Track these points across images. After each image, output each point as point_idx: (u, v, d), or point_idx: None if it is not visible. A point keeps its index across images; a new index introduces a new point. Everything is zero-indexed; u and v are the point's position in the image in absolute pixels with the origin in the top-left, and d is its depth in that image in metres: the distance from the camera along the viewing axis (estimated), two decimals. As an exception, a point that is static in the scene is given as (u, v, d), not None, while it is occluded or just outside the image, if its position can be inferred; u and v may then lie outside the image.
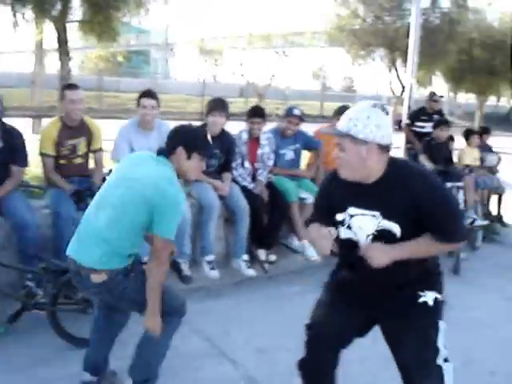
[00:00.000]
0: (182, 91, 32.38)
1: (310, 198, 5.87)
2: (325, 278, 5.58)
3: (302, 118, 5.99)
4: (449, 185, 6.77)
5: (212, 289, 5.28)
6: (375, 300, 2.80)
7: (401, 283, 2.74)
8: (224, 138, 5.45)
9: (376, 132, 2.52)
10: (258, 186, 5.65)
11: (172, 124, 3.82)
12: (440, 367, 2.64)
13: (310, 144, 6.21)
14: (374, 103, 2.61)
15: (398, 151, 9.12)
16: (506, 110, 43.08)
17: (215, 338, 4.36)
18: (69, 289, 4.03)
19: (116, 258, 3.06)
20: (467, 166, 7.50)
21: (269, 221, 5.62)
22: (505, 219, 8.53)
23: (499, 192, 8.38)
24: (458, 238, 2.70)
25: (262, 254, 5.64)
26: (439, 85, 26.19)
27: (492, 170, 8.35)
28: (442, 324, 2.70)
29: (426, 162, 7.07)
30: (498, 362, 4.30)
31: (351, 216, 2.72)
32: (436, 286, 2.77)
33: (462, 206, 6.77)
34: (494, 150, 8.71)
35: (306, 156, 6.54)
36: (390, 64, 19.26)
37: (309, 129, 6.60)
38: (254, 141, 5.76)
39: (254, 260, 5.62)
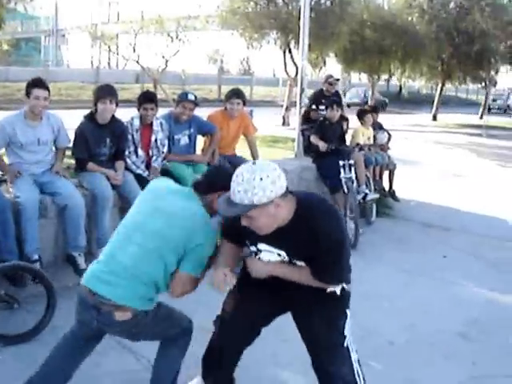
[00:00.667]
0: (75, 79, 31.37)
1: (206, 183, 5.84)
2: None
3: (196, 103, 5.92)
4: (341, 163, 6.94)
5: (111, 281, 5.16)
6: (284, 293, 2.92)
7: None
8: (115, 126, 5.30)
9: (274, 188, 2.51)
10: (153, 172, 5.55)
11: (66, 113, 3.67)
12: (347, 348, 2.87)
13: (204, 128, 6.16)
14: (251, 162, 2.62)
15: (294, 132, 9.26)
16: (397, 89, 44.69)
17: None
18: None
19: (142, 297, 2.88)
20: (357, 144, 7.70)
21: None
22: (397, 194, 8.86)
23: (390, 168, 8.70)
24: (329, 281, 2.80)
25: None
26: (333, 66, 26.80)
27: (383, 148, 8.63)
28: (348, 312, 2.92)
29: (317, 142, 7.19)
30: (396, 332, 4.47)
31: (260, 250, 2.84)
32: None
33: (354, 182, 6.96)
34: (384, 127, 8.99)
35: (200, 141, 6.48)
36: (283, 46, 19.42)
37: (207, 113, 6.55)
38: (147, 127, 5.65)
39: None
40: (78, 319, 3.08)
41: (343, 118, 7.95)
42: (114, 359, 3.88)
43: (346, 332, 2.87)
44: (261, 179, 2.49)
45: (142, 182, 5.37)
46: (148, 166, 5.62)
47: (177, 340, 3.18)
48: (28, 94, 4.80)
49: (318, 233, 2.62)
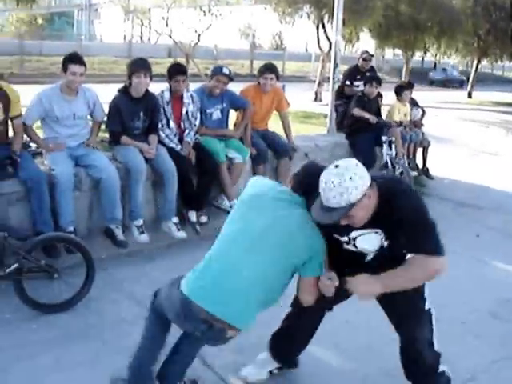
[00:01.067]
0: (108, 53, 31.44)
1: (238, 158, 5.84)
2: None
3: (231, 77, 5.90)
4: (383, 138, 6.91)
5: (143, 253, 5.23)
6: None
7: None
8: (148, 99, 5.32)
9: (364, 182, 2.63)
10: (185, 147, 5.57)
11: (99, 87, 3.71)
12: (429, 312, 3.11)
13: (236, 103, 6.15)
14: (334, 166, 2.65)
15: (326, 108, 9.19)
16: (431, 66, 43.97)
17: (148, 303, 4.30)
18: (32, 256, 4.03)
19: (253, 317, 2.83)
20: (401, 123, 7.63)
21: (198, 182, 5.57)
22: (430, 172, 8.76)
23: (424, 145, 8.59)
24: (430, 248, 2.82)
25: (192, 215, 5.60)
26: (366, 41, 26.42)
27: (417, 124, 8.53)
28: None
29: (363, 114, 7.16)
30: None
31: (355, 238, 2.90)
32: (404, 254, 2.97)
33: (395, 158, 6.92)
34: (418, 104, 8.87)
35: (233, 115, 6.47)
36: (317, 21, 19.21)
37: (238, 88, 6.52)
38: (178, 100, 5.64)
39: (184, 222, 5.58)
40: (175, 321, 2.99)
41: (378, 95, 7.87)
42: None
43: (426, 295, 3.07)
44: (350, 178, 2.58)
45: (176, 156, 5.40)
46: (181, 140, 5.63)
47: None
48: (65, 69, 4.84)
49: (402, 210, 2.73)
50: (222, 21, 20.73)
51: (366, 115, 7.13)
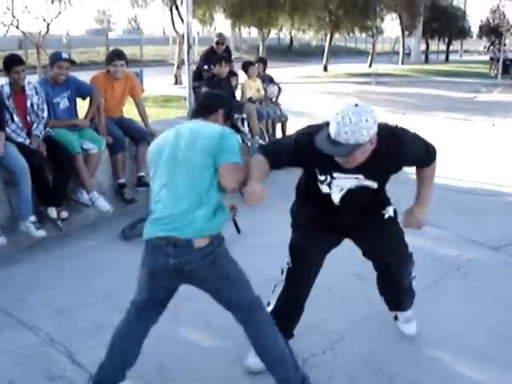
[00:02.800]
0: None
1: (94, 148, 5.66)
2: (119, 228, 5.55)
3: (72, 61, 5.67)
4: (235, 117, 6.95)
5: (2, 257, 4.96)
6: (349, 228, 3.33)
7: (369, 214, 3.27)
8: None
9: (375, 127, 2.74)
10: (34, 140, 5.29)
11: None
12: (411, 253, 3.49)
13: (82, 90, 5.87)
14: (354, 104, 2.72)
15: (185, 90, 9.15)
16: (287, 42, 44.98)
17: (11, 308, 4.13)
18: None
19: (207, 218, 2.89)
20: (250, 99, 7.70)
21: (53, 176, 5.33)
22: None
23: (283, 120, 8.78)
24: (431, 160, 3.28)
25: (52, 212, 5.36)
26: (222, 21, 26.48)
27: (274, 101, 8.70)
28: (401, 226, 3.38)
29: None
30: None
31: (333, 178, 3.04)
32: (389, 201, 3.36)
33: (248, 134, 7.00)
34: (274, 80, 9.04)
35: (85, 104, 6.22)
36: (170, 3, 18.99)
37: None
38: (20, 93, 5.32)
39: (44, 219, 5.35)
40: (148, 273, 3.00)
41: (232, 74, 7.93)
42: (10, 336, 3.78)
43: (406, 240, 3.40)
44: (366, 120, 2.67)
45: (25, 151, 5.13)
46: (29, 134, 5.35)
47: (262, 307, 3.13)
48: None
49: (401, 155, 3.02)
50: (74, 8, 19.96)
51: None
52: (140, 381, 3.21)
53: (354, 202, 3.13)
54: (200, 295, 3.15)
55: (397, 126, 3.15)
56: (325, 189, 3.12)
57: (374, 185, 3.10)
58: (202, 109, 3.29)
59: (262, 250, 5.16)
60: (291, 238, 3.46)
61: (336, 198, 3.13)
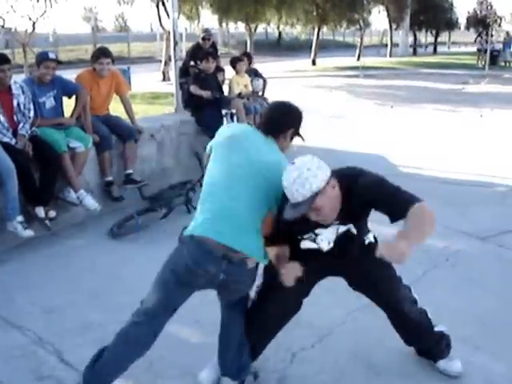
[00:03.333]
0: None
1: (80, 147, 5.63)
2: (107, 227, 5.53)
3: (59, 61, 5.64)
4: (223, 112, 6.96)
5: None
6: (335, 265, 3.17)
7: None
8: None
9: (322, 171, 2.70)
10: (20, 140, 5.24)
11: None
12: (400, 278, 3.25)
13: (67, 88, 5.83)
14: (291, 163, 2.70)
15: (172, 87, 9.13)
16: (275, 37, 44.95)
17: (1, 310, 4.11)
18: None
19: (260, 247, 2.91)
20: (240, 94, 7.67)
21: (41, 176, 5.29)
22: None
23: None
24: (406, 207, 2.77)
25: (40, 211, 5.32)
26: (208, 16, 26.46)
27: (260, 95, 8.69)
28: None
29: (198, 91, 7.14)
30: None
31: (317, 234, 3.01)
32: (367, 229, 3.21)
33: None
34: (259, 73, 9.02)
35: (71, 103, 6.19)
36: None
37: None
38: (6, 92, 5.26)
39: (33, 219, 5.32)
40: (194, 272, 2.81)
41: (219, 69, 7.91)
42: (-2, 336, 3.77)
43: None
44: (308, 169, 2.66)
45: (11, 151, 5.09)
46: (15, 134, 5.31)
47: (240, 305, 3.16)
48: None
49: (371, 189, 2.82)
50: (60, 6, 19.85)
51: (200, 92, 7.13)
52: (130, 379, 3.21)
53: (340, 245, 3.09)
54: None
55: (350, 168, 3.00)
56: (308, 244, 3.08)
57: (351, 227, 3.03)
58: (271, 126, 3.05)
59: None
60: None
61: (325, 247, 3.08)
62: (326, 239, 3.04)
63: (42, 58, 5.51)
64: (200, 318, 3.88)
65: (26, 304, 4.19)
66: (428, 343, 3.38)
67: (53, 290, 4.39)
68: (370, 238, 3.20)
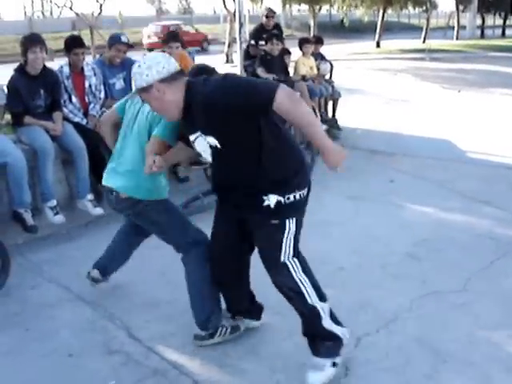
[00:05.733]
0: (9, 31, 30.10)
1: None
2: (177, 203, 5.59)
3: (130, 45, 5.76)
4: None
5: (60, 234, 5.11)
6: (237, 204, 3.01)
7: (244, 187, 2.92)
8: (47, 76, 5.12)
9: (150, 72, 2.78)
10: (91, 120, 5.40)
11: (2, 68, 3.62)
12: (285, 264, 2.93)
13: None
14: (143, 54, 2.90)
15: (236, 69, 9.15)
16: (339, 19, 44.35)
17: (70, 283, 4.25)
18: None
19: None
20: (303, 77, 7.63)
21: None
22: (339, 123, 8.88)
23: (335, 98, 8.70)
24: (270, 95, 2.57)
25: (108, 190, 5.46)
26: (272, -1, 26.37)
27: (326, 78, 8.61)
28: (288, 223, 2.89)
29: (264, 74, 7.13)
30: (346, 258, 4.58)
31: (193, 141, 2.95)
32: (281, 190, 2.84)
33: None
34: (326, 58, 8.95)
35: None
36: (221, -19, 19.03)
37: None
38: (78, 73, 5.46)
39: (102, 197, 5.45)
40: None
41: (286, 51, 7.89)
42: (69, 311, 3.89)
43: (284, 244, 2.92)
44: (139, 66, 2.82)
45: (82, 130, 5.25)
46: (86, 114, 5.46)
47: (189, 251, 3.41)
48: None
49: (209, 105, 2.69)
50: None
51: (265, 75, 7.10)
52: (197, 356, 3.28)
53: (222, 162, 2.94)
54: (254, 274, 3.20)
55: (213, 79, 2.83)
56: (197, 148, 3.01)
57: (215, 142, 2.80)
58: None
59: (315, 229, 5.14)
60: None
61: (207, 156, 2.96)
62: (198, 146, 2.94)
63: (114, 41, 5.63)
64: (267, 299, 3.91)
65: (96, 280, 4.31)
66: (309, 329, 3.12)
67: (122, 266, 4.48)
68: (270, 201, 2.84)
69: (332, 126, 8.66)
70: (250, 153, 2.82)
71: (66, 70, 5.43)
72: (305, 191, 2.92)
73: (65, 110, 5.38)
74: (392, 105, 11.57)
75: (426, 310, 3.83)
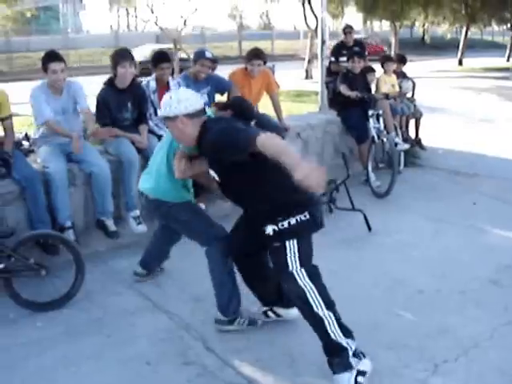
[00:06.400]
0: (95, 44, 31.30)
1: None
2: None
3: (214, 60, 5.86)
4: (370, 112, 6.90)
5: (141, 243, 5.17)
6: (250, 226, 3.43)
7: (251, 216, 3.45)
8: (134, 89, 5.29)
9: (179, 106, 3.29)
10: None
11: (89, 79, 3.81)
12: (292, 273, 3.20)
13: (220, 86, 6.04)
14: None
15: (317, 86, 9.16)
16: (420, 35, 43.73)
17: (149, 292, 4.36)
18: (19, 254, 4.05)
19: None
20: (386, 95, 7.55)
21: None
22: (423, 142, 8.75)
23: (417, 116, 8.57)
24: (253, 135, 2.94)
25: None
26: (352, 15, 26.25)
27: (408, 97, 8.49)
28: (289, 244, 3.20)
29: (346, 91, 7.11)
30: (426, 281, 4.48)
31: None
32: (273, 220, 3.20)
33: (384, 131, 6.92)
34: (408, 76, 8.83)
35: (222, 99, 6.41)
36: (302, -2, 19.14)
37: (228, 71, 6.46)
38: (164, 88, 5.58)
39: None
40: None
41: (369, 69, 7.85)
42: (147, 319, 3.99)
43: (289, 261, 3.21)
44: (170, 98, 3.35)
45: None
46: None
47: (211, 245, 3.76)
48: (45, 68, 4.80)
49: (210, 146, 3.18)
50: (208, 4, 20.60)
51: (348, 92, 7.07)
52: (271, 374, 3.28)
53: (225, 192, 3.50)
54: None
55: (227, 121, 3.36)
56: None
57: (215, 175, 3.39)
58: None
59: (393, 250, 5.08)
60: None
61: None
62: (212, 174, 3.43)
63: (199, 57, 5.74)
64: (342, 317, 3.88)
65: (174, 290, 4.40)
66: (321, 339, 3.25)
67: (196, 279, 4.49)
68: (268, 231, 3.22)
69: (415, 145, 8.53)
70: (242, 187, 3.32)
71: (153, 84, 5.60)
72: (303, 215, 3.20)
73: (150, 123, 5.54)
74: (475, 124, 11.27)
75: (509, 339, 3.70)
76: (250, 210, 3.47)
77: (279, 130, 6.38)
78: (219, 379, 3.30)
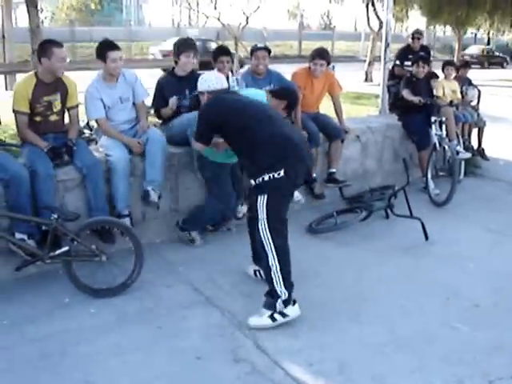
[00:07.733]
0: (157, 37, 31.64)
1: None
2: (306, 222, 5.69)
3: (268, 49, 5.83)
4: (433, 119, 6.78)
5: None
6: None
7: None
8: (194, 78, 5.29)
9: (206, 83, 4.38)
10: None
11: (150, 72, 3.85)
12: (257, 223, 3.81)
13: (282, 84, 6.01)
14: None
15: (377, 88, 9.06)
16: (484, 42, 42.71)
17: (202, 286, 4.38)
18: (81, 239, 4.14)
19: None
20: (451, 102, 7.39)
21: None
22: (486, 153, 8.54)
23: (480, 126, 8.36)
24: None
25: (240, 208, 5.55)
26: (416, 19, 25.85)
27: (472, 105, 8.31)
28: (260, 197, 3.78)
29: (409, 96, 7.00)
30: (482, 295, 4.37)
31: None
32: (254, 174, 3.83)
33: (446, 138, 6.78)
34: (473, 83, 8.63)
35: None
36: (366, 0, 18.93)
37: (287, 70, 6.44)
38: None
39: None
40: None
41: (433, 75, 7.70)
42: (199, 314, 4.00)
43: (259, 211, 3.79)
44: (201, 78, 4.44)
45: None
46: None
47: (212, 199, 4.96)
48: (103, 57, 4.89)
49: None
50: (270, 2, 20.61)
51: (411, 97, 6.95)
52: (321, 379, 3.25)
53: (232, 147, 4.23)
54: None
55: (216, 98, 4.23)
56: None
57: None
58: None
59: (450, 260, 4.97)
60: None
61: None
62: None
63: (253, 50, 5.77)
64: (396, 327, 3.82)
65: (227, 285, 4.41)
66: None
67: (250, 276, 4.53)
68: (252, 183, 3.85)
69: (478, 155, 8.33)
70: (234, 149, 4.13)
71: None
72: (276, 173, 3.71)
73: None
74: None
75: None
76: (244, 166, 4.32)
77: (339, 131, 6.34)
78: (268, 379, 3.29)
